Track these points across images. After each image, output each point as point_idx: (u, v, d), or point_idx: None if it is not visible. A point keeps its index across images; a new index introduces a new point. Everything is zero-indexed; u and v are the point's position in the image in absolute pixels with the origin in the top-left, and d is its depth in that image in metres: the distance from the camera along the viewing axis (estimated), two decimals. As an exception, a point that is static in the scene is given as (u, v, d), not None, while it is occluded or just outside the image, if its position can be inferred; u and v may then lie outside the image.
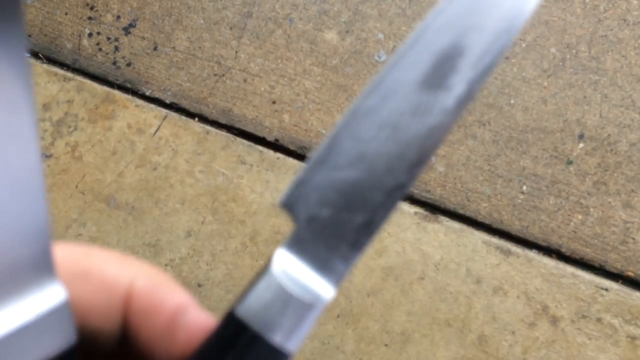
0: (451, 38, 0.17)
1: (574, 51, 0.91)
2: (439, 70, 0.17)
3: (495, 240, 0.89)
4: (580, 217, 0.87)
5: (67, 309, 0.15)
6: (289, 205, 0.18)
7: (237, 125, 1.00)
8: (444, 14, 0.17)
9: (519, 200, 0.89)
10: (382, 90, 0.17)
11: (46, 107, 1.04)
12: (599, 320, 0.84)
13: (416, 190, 0.92)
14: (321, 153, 0.18)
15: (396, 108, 0.17)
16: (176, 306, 0.18)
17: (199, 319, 0.18)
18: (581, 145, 0.89)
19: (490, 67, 0.17)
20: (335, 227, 0.18)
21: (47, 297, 0.15)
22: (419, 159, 0.17)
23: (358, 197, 0.17)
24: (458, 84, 0.17)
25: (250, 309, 0.17)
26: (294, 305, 0.17)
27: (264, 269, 0.17)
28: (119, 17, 1.07)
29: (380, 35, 0.97)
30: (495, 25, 0.17)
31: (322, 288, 0.17)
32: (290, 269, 0.17)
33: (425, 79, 0.17)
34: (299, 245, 0.18)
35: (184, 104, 1.02)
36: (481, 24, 0.17)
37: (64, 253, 0.17)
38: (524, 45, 0.93)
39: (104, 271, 0.18)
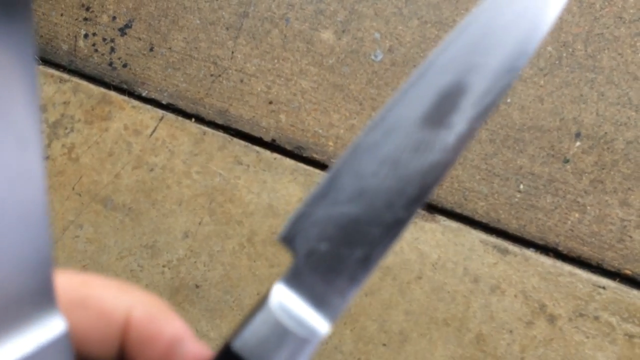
0: (454, 76, 0.17)
1: (570, 49, 0.91)
2: (441, 108, 0.17)
3: (492, 239, 0.89)
4: (577, 215, 0.87)
5: (67, 339, 0.16)
6: (288, 239, 0.18)
7: (234, 125, 1.00)
8: (448, 52, 0.17)
9: (516, 199, 0.89)
10: (385, 126, 0.18)
11: (42, 108, 1.04)
12: (596, 318, 0.84)
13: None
14: (322, 188, 0.18)
15: (398, 144, 0.18)
16: (173, 336, 0.18)
17: (195, 351, 0.18)
18: (578, 143, 0.89)
19: (492, 106, 0.17)
20: (334, 262, 0.18)
21: (48, 328, 0.15)
22: (419, 195, 0.18)
23: (357, 232, 0.18)
24: (459, 122, 0.17)
25: (247, 342, 0.17)
26: (290, 340, 0.17)
27: (261, 303, 0.18)
28: (114, 17, 1.07)
29: (377, 35, 0.97)
30: (498, 64, 0.17)
31: (318, 323, 0.18)
32: (287, 303, 0.18)
33: (427, 117, 0.17)
34: (297, 279, 0.18)
35: (181, 104, 1.02)
36: (484, 63, 0.17)
37: (63, 281, 0.18)
38: (520, 43, 0.93)
39: (102, 300, 0.18)
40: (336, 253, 0.18)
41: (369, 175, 0.18)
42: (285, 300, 0.18)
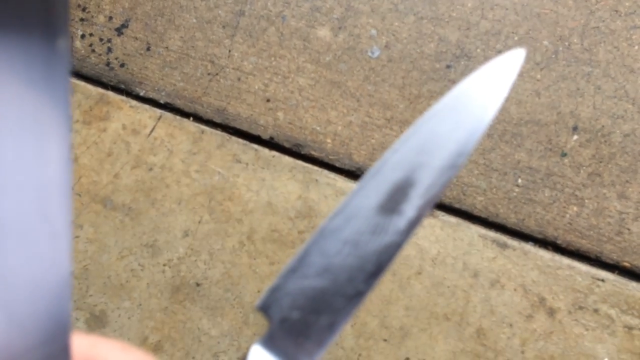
0: (404, 173, 0.21)
1: (566, 43, 0.91)
2: (394, 198, 0.21)
3: (491, 233, 0.89)
4: (575, 209, 0.88)
5: None
6: (265, 308, 0.21)
7: (232, 124, 1.00)
8: (399, 152, 0.21)
9: (515, 194, 0.89)
10: (346, 213, 0.21)
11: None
12: (595, 311, 0.84)
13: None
14: (293, 264, 0.21)
15: (357, 228, 0.21)
16: None
17: None
18: (575, 137, 0.89)
19: (436, 196, 0.21)
20: (303, 328, 0.21)
21: None
22: (376, 271, 0.21)
23: (323, 303, 0.21)
24: (409, 210, 0.21)
25: None
26: None
27: None
28: (111, 17, 1.07)
29: (373, 31, 0.97)
30: (441, 163, 0.21)
31: None
32: None
33: (382, 205, 0.21)
34: (272, 342, 0.21)
35: (179, 103, 1.02)
36: (429, 162, 0.21)
37: (74, 343, 0.20)
38: (516, 38, 0.93)
39: (108, 359, 0.20)
40: (305, 320, 0.21)
41: (333, 254, 0.21)
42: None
